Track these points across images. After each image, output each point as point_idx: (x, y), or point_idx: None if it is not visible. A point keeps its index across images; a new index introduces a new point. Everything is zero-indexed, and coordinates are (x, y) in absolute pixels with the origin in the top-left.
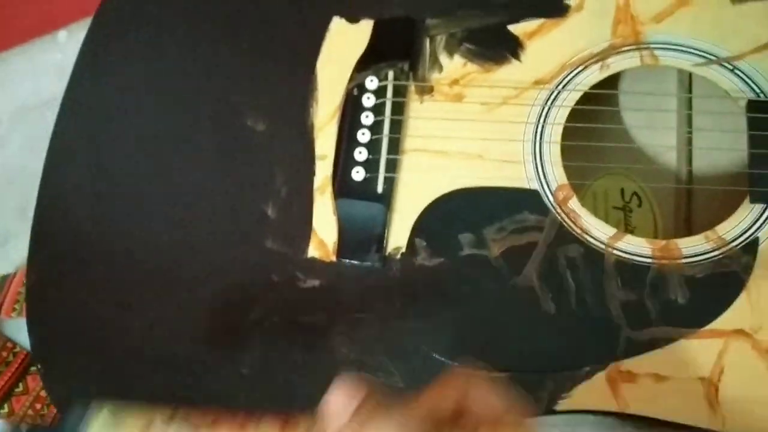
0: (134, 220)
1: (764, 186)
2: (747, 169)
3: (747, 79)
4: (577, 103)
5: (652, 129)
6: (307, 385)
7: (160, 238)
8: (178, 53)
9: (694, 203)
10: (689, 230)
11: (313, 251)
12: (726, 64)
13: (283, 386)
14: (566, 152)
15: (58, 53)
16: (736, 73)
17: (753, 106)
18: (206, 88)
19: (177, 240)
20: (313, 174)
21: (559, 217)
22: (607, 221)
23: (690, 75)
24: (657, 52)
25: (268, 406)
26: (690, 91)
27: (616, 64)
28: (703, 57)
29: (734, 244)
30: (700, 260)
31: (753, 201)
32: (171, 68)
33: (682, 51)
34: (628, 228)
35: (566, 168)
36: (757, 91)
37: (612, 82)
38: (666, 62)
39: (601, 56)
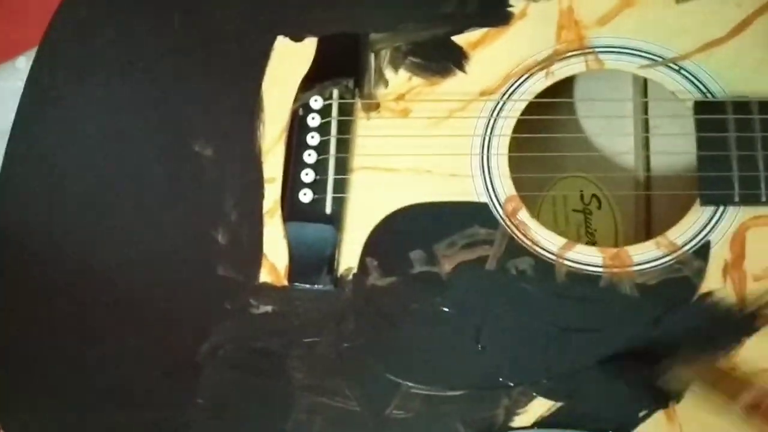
0: (86, 250)
1: (713, 188)
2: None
3: (694, 80)
4: (532, 112)
5: (609, 135)
6: (263, 412)
7: (113, 268)
8: (124, 80)
9: (653, 206)
10: (649, 233)
11: (264, 276)
12: (672, 65)
13: (239, 414)
14: (522, 163)
15: (18, 81)
16: (682, 74)
17: (700, 107)
18: (153, 114)
19: (129, 267)
20: (263, 197)
21: (509, 230)
22: (567, 224)
23: (645, 78)
24: (602, 56)
25: None
26: (645, 95)
27: (561, 70)
28: (649, 59)
29: (686, 248)
30: (652, 267)
31: (703, 204)
32: (118, 95)
33: (627, 53)
34: (588, 230)
35: (520, 179)
36: (704, 91)
37: (567, 88)
38: (611, 66)
39: (546, 63)
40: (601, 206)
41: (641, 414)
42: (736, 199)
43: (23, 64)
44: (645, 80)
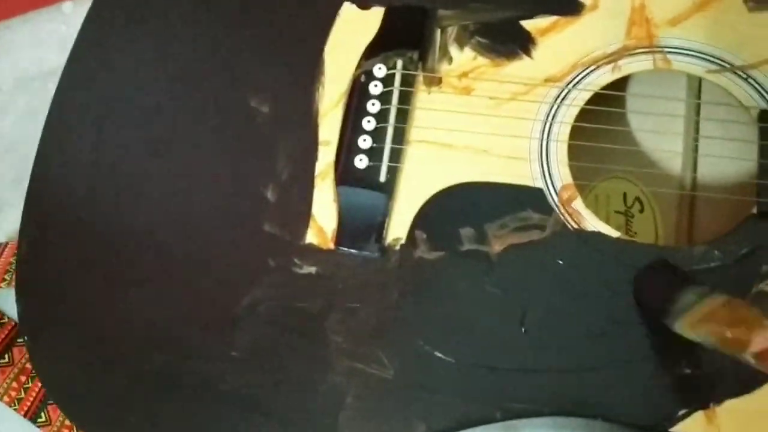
0: (130, 197)
1: None
2: (755, 179)
3: (760, 89)
4: (586, 103)
5: (658, 133)
6: (296, 372)
7: (157, 215)
8: (185, 30)
9: (696, 211)
10: (690, 239)
11: (311, 237)
12: (740, 73)
13: (272, 371)
14: (571, 152)
15: (62, 24)
16: (749, 83)
17: (765, 116)
18: (212, 66)
19: (173, 218)
20: (316, 159)
21: (562, 217)
22: (608, 225)
23: (700, 81)
24: (670, 56)
25: (255, 392)
26: (699, 97)
27: (628, 65)
28: (717, 64)
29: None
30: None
31: (760, 211)
32: (176, 45)
33: (696, 56)
34: (629, 233)
35: (571, 168)
36: None
37: (620, 83)
38: (679, 67)
39: (614, 57)
40: (643, 210)
41: (680, 413)
42: None
43: (69, 8)
44: (700, 82)
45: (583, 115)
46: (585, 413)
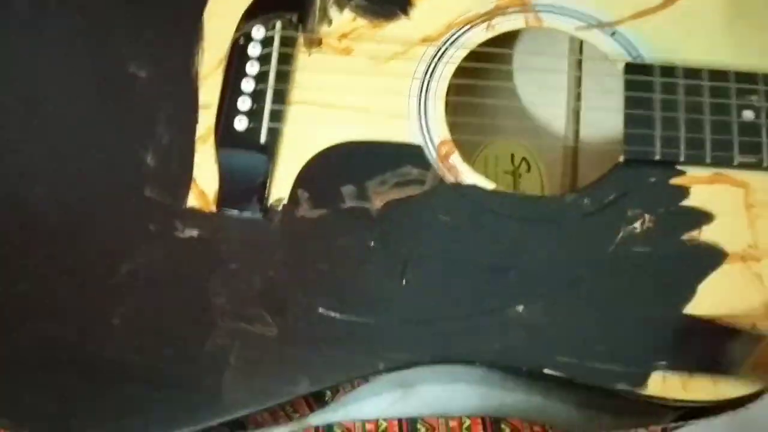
0: (3, 166)
1: (637, 145)
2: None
3: (626, 44)
4: (471, 61)
5: (543, 89)
6: (179, 336)
7: (33, 184)
8: None
9: (580, 165)
10: None
11: (192, 201)
12: (607, 29)
13: (153, 337)
14: (455, 109)
15: None
16: (615, 38)
17: (630, 68)
18: (87, 32)
19: (50, 186)
20: (196, 123)
21: (440, 172)
22: (497, 185)
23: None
24: (541, 15)
25: (138, 358)
26: (581, 53)
27: (501, 24)
28: (585, 21)
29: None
30: None
31: (626, 159)
32: (50, 10)
33: (565, 14)
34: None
35: (454, 125)
36: (635, 54)
37: (509, 42)
38: (549, 24)
39: (488, 16)
40: (530, 169)
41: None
42: (657, 156)
43: None
44: (582, 43)
45: (467, 74)
46: (464, 360)
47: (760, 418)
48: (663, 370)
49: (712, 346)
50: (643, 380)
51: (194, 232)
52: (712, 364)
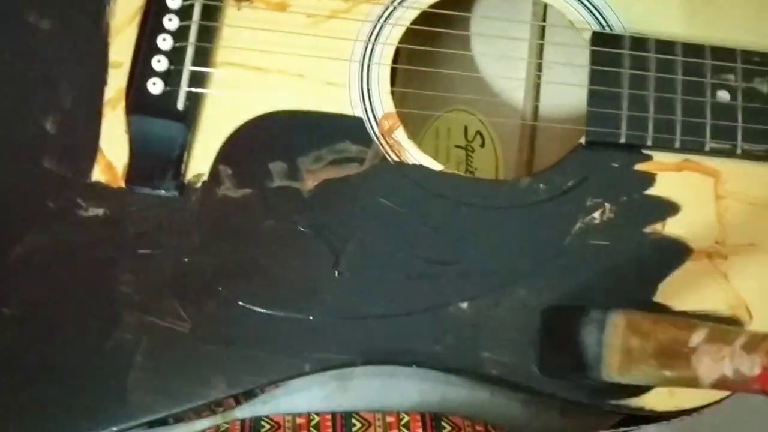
0: None
1: (600, 126)
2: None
3: (594, 11)
4: (423, 24)
5: (501, 59)
6: (78, 329)
7: None
8: None
9: (537, 143)
10: (530, 171)
11: (98, 175)
12: None
13: (49, 329)
14: (405, 79)
15: None
16: (583, 3)
17: (597, 38)
18: None
19: None
20: (105, 84)
21: (382, 149)
22: (448, 160)
23: (545, 4)
24: None
25: (32, 352)
26: (544, 20)
27: None
28: None
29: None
30: None
31: (588, 141)
32: None
33: None
34: (469, 168)
35: (402, 95)
36: (604, 24)
37: (468, 5)
38: None
39: None
40: (484, 144)
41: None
42: (622, 139)
43: None
44: (545, 8)
45: (420, 37)
46: (400, 361)
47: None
48: None
49: None
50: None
51: (99, 211)
52: None
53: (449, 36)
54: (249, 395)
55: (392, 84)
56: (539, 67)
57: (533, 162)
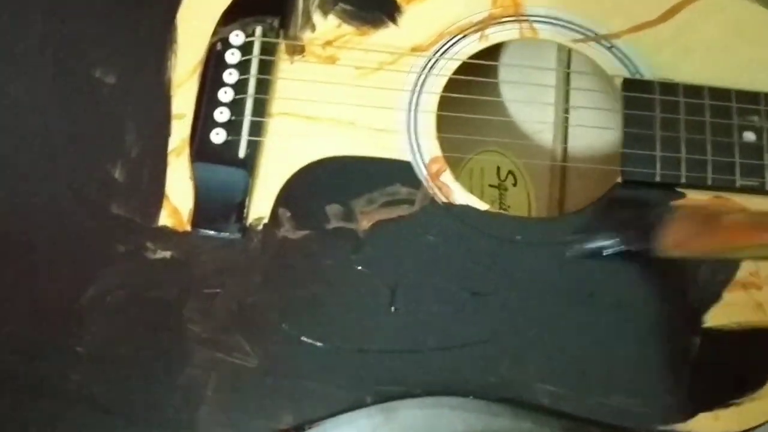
0: None
1: (636, 166)
2: (621, 149)
3: (624, 58)
4: (456, 73)
5: (530, 104)
6: (150, 366)
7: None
8: None
9: (568, 183)
10: (562, 210)
11: (165, 219)
12: (604, 42)
13: (122, 367)
14: (442, 124)
15: None
16: (613, 52)
17: (629, 84)
18: (51, 31)
19: (10, 201)
20: (169, 134)
21: (431, 191)
22: (482, 199)
23: (569, 51)
24: (536, 26)
25: (105, 389)
26: (569, 67)
27: (495, 35)
28: (582, 33)
29: None
30: None
31: (624, 180)
32: (13, 9)
33: (561, 26)
34: (502, 207)
35: (441, 140)
36: (633, 70)
37: (493, 54)
38: (545, 36)
39: (481, 26)
40: (516, 183)
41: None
42: (658, 178)
43: None
44: (569, 52)
45: (455, 85)
46: (457, 392)
47: None
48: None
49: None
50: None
51: (167, 253)
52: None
53: (481, 83)
54: (299, 429)
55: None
56: (566, 111)
57: (564, 200)
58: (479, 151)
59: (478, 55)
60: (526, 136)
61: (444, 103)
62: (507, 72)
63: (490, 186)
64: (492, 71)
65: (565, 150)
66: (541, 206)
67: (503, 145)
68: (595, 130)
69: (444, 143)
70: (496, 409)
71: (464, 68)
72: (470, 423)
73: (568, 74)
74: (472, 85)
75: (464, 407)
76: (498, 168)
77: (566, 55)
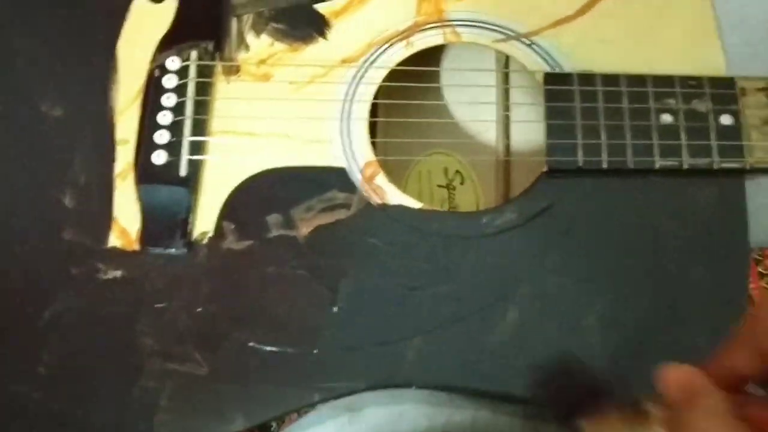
0: None
1: (559, 155)
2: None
3: (544, 54)
4: (398, 80)
5: (472, 104)
6: (107, 381)
7: None
8: None
9: (512, 177)
10: None
11: (114, 240)
12: (524, 40)
13: (81, 384)
14: (386, 130)
15: None
16: (533, 49)
17: (549, 78)
18: None
19: None
20: (114, 159)
21: (366, 194)
22: (432, 200)
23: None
24: (459, 29)
25: (67, 405)
26: (507, 67)
27: (420, 41)
28: (503, 33)
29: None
30: None
31: (550, 168)
32: None
33: (482, 28)
34: (452, 206)
35: (386, 145)
36: (553, 65)
37: (435, 58)
38: (467, 39)
39: (406, 34)
40: (464, 181)
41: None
42: (580, 164)
43: None
44: (507, 57)
45: (396, 92)
46: (400, 384)
47: None
48: None
49: None
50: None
51: (118, 273)
52: None
53: (423, 88)
54: (264, 429)
55: (374, 135)
56: (507, 108)
57: (509, 194)
58: (426, 154)
59: (420, 60)
60: (470, 135)
61: (390, 109)
62: (449, 76)
63: (439, 186)
64: (435, 77)
65: (508, 146)
66: (489, 201)
67: (449, 146)
68: (535, 125)
69: (390, 148)
70: (459, 401)
71: (405, 75)
72: (433, 417)
73: (506, 74)
74: (414, 91)
75: (428, 401)
76: (446, 168)
77: (504, 56)
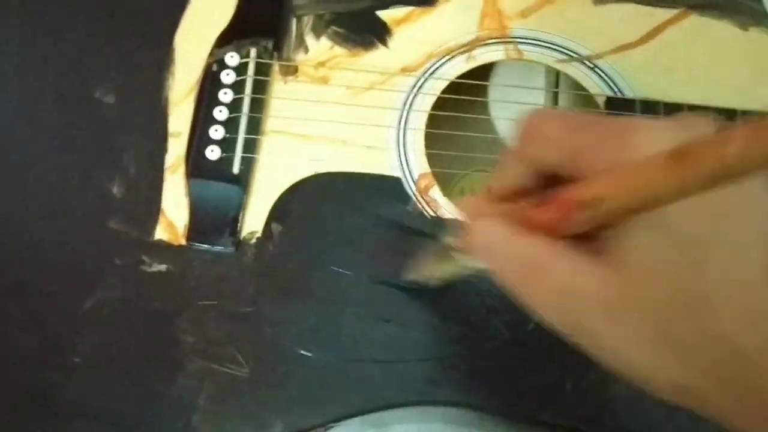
0: None
1: None
2: None
3: (606, 78)
4: (448, 93)
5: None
6: (145, 376)
7: None
8: (23, 16)
9: None
10: None
11: (161, 233)
12: (587, 62)
13: (118, 377)
14: (433, 141)
15: None
16: (596, 72)
17: (611, 102)
18: (51, 54)
19: (10, 216)
20: (165, 152)
21: (419, 206)
22: None
23: (557, 72)
24: (521, 47)
25: (100, 400)
26: (557, 86)
27: (481, 56)
28: (565, 54)
29: None
30: None
31: None
32: (14, 31)
33: (545, 47)
34: None
35: (430, 156)
36: (615, 89)
37: (484, 74)
38: (529, 57)
39: (468, 47)
40: None
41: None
42: None
43: None
44: (557, 76)
45: (445, 104)
46: (439, 400)
47: None
48: None
49: None
50: None
51: (162, 267)
52: None
53: (471, 102)
54: None
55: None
56: None
57: None
58: (471, 170)
59: (470, 75)
60: None
61: (436, 122)
62: (497, 91)
63: None
64: (483, 92)
65: None
66: None
67: (493, 164)
68: None
69: (434, 159)
70: (490, 424)
71: (456, 88)
72: None
73: (555, 93)
74: (463, 104)
75: (458, 421)
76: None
77: (554, 76)
